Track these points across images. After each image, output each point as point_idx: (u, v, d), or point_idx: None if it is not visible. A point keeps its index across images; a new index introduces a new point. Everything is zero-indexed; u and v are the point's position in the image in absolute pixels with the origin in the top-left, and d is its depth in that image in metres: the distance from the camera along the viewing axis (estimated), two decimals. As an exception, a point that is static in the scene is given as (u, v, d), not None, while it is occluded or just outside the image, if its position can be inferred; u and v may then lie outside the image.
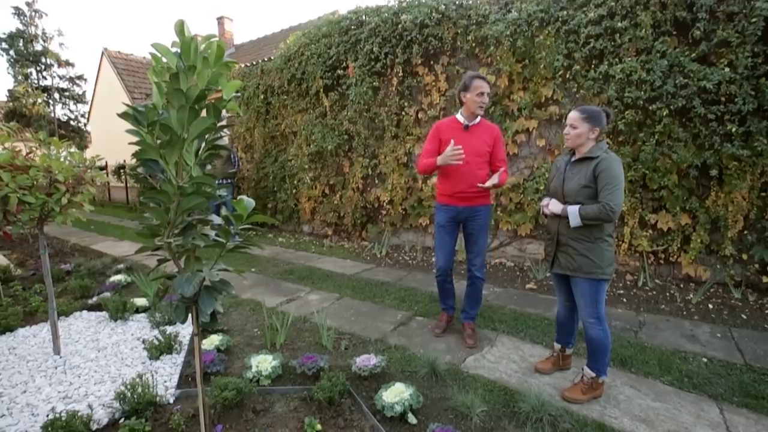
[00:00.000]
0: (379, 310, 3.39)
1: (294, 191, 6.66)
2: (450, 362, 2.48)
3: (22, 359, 2.48)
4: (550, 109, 4.24)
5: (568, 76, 4.00)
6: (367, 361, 2.21)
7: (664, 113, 3.46)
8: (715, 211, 3.55)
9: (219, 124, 1.24)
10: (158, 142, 1.07)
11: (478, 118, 2.65)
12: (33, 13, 15.35)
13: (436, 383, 2.24)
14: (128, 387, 1.97)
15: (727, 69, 3.21)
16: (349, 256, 5.30)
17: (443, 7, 4.64)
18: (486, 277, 2.84)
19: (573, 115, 2.01)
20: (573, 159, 2.07)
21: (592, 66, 3.84)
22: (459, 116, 2.66)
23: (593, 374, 2.07)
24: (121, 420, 1.89)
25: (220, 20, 13.50)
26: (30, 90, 15.25)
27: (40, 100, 15.40)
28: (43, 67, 15.66)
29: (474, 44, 4.54)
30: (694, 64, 3.32)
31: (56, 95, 16.17)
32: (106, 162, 12.67)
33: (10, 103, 15.24)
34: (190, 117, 1.07)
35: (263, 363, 2.27)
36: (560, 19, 3.92)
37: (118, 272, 4.31)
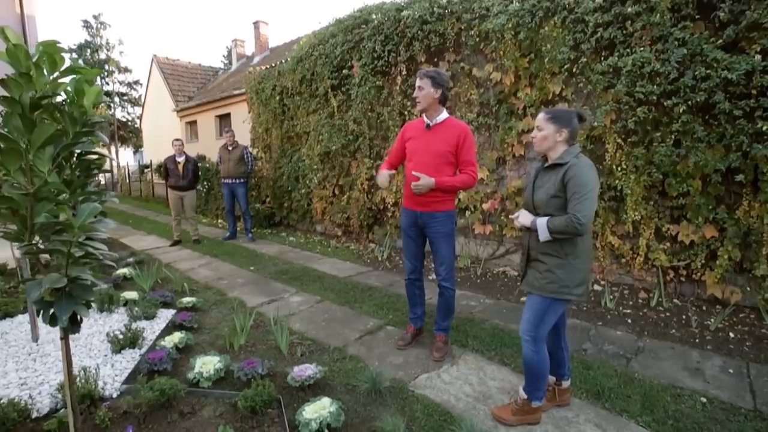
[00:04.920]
0: (353, 316, 3.30)
1: (306, 191, 6.73)
2: (399, 379, 2.33)
3: (7, 344, 2.70)
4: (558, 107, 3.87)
5: (575, 69, 3.63)
6: (302, 371, 2.13)
7: (682, 109, 3.01)
8: (747, 223, 3.04)
9: (83, 130, 1.22)
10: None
11: (442, 116, 2.48)
12: (99, 25, 17.01)
13: (374, 401, 2.11)
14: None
15: (758, 56, 2.72)
16: (351, 258, 5.24)
17: (445, 1, 4.41)
18: (456, 287, 2.64)
19: (539, 117, 1.85)
20: (545, 166, 1.88)
21: (601, 58, 3.45)
22: (424, 116, 2.53)
23: (525, 396, 1.87)
24: (61, 410, 1.98)
25: (255, 24, 14.05)
26: (95, 95, 16.93)
27: (103, 104, 17.04)
28: (106, 73, 17.30)
29: (478, 39, 4.28)
30: (717, 52, 2.85)
31: (116, 99, 17.79)
32: (151, 160, 13.75)
33: (79, 107, 17.02)
34: (27, 125, 1.06)
35: (207, 365, 2.27)
36: (566, 7, 3.56)
37: (127, 265, 4.59)
